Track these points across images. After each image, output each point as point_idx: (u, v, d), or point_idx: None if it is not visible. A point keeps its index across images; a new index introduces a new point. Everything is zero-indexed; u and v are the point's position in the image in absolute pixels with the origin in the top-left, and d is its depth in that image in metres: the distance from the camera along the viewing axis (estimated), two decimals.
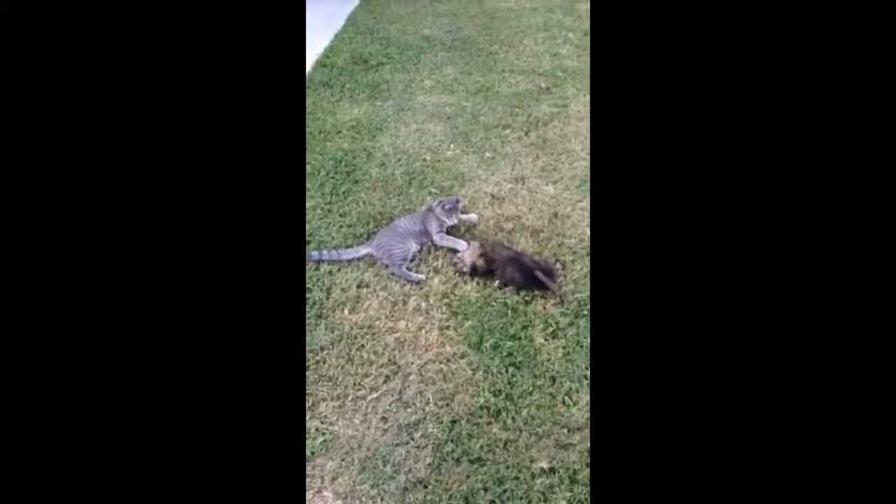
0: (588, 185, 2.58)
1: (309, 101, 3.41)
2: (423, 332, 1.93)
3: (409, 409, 1.69)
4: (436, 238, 2.26)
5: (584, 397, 1.69)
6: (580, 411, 1.66)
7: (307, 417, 1.66)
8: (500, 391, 1.72)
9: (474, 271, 2.12)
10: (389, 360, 1.83)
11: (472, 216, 2.41)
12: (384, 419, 1.67)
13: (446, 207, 2.28)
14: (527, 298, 2.03)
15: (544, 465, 1.53)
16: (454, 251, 2.21)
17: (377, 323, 1.96)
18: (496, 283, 2.09)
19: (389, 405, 1.70)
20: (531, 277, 2.04)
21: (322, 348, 1.87)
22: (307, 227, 2.40)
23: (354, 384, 1.76)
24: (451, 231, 2.32)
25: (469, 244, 2.20)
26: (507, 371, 1.78)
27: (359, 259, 2.22)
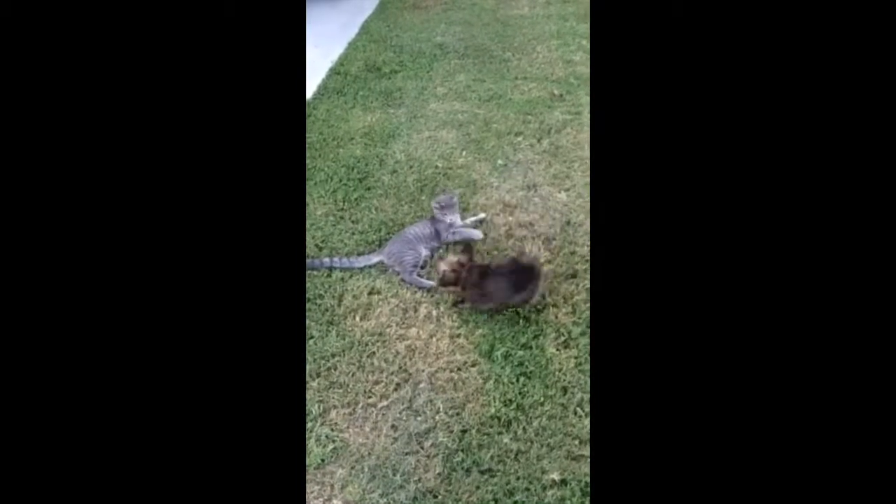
0: None
1: (322, 109, 3.43)
2: (434, 339, 1.92)
3: (419, 418, 1.68)
4: (447, 237, 2.26)
5: None
6: None
7: (318, 424, 1.66)
8: (511, 401, 1.71)
9: (442, 280, 1.96)
10: (400, 367, 1.83)
11: (480, 214, 2.45)
12: (394, 427, 1.66)
13: (442, 206, 2.30)
14: (538, 307, 2.01)
15: (556, 476, 1.52)
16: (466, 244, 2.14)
17: (388, 330, 1.95)
18: (466, 305, 1.98)
19: (400, 413, 1.69)
20: (520, 272, 1.91)
21: (333, 355, 1.87)
22: (319, 233, 2.41)
23: (365, 391, 1.76)
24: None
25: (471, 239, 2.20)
26: (518, 381, 1.77)
27: (370, 266, 2.22)
